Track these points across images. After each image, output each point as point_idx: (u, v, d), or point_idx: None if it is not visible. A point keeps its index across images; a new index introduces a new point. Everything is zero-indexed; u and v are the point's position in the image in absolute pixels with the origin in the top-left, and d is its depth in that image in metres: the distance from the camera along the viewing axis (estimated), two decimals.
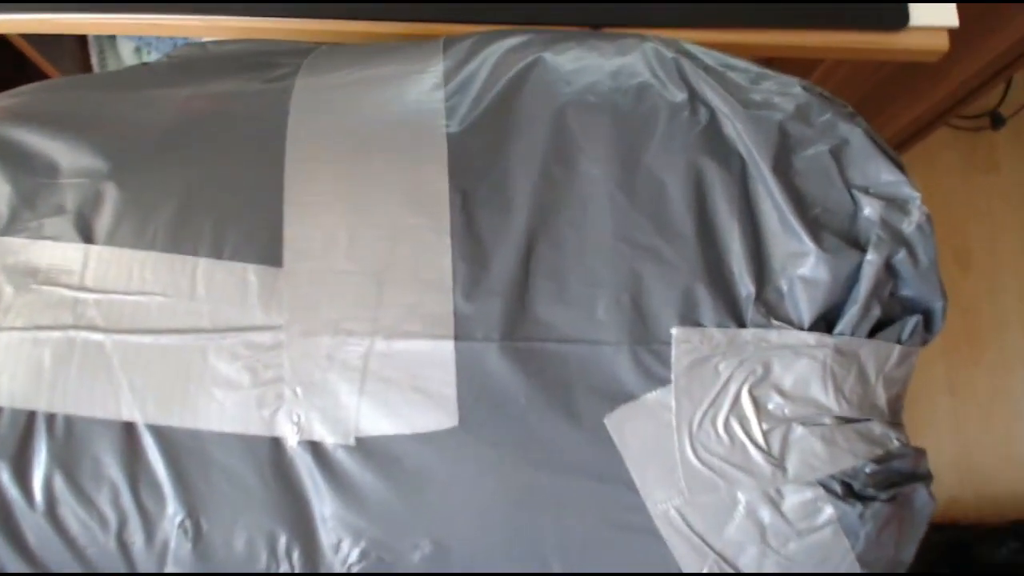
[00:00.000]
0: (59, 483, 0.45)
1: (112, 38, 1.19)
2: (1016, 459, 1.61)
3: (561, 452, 0.45)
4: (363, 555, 0.46)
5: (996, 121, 1.74)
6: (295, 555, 0.46)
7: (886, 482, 0.47)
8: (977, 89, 1.20)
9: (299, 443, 0.45)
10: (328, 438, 0.45)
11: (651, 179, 0.48)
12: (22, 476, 0.45)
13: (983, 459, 1.60)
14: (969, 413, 1.60)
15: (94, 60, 1.19)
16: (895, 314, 0.48)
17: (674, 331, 0.45)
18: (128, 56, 1.17)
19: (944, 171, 1.73)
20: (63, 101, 0.54)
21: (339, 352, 0.45)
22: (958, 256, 1.68)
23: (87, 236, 0.47)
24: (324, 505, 0.45)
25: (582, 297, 0.46)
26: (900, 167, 0.48)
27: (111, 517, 0.45)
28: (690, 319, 0.45)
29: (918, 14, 0.74)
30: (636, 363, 0.45)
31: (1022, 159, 1.75)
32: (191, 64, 0.58)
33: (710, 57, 0.53)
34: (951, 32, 0.75)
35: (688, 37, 0.58)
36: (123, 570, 0.46)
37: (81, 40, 1.19)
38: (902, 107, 1.24)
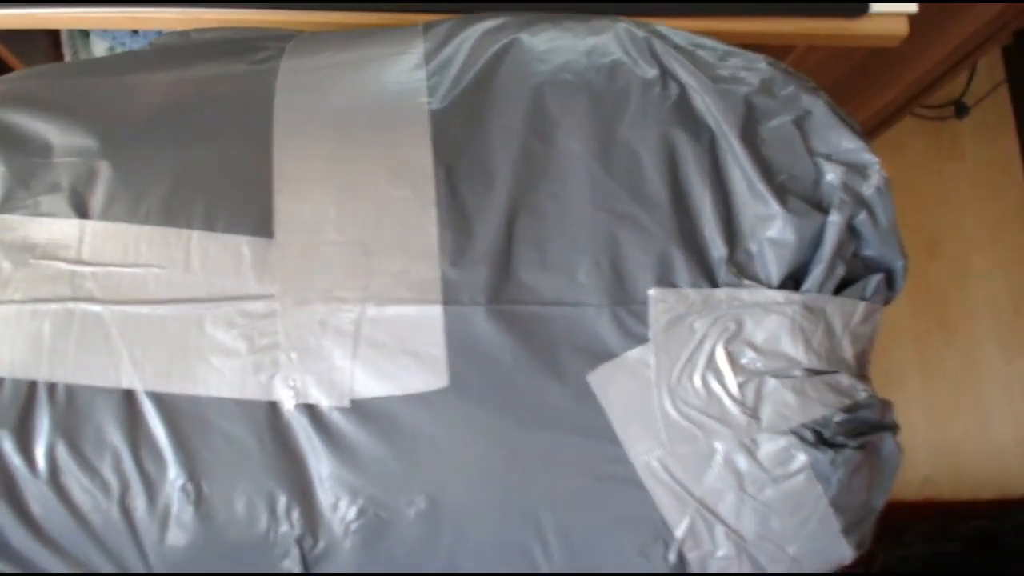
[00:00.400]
0: (62, 451, 0.46)
1: (86, 37, 1.19)
2: (988, 438, 1.66)
3: (547, 409, 0.47)
4: (360, 513, 0.48)
5: (960, 110, 1.79)
6: (295, 515, 0.47)
7: (855, 431, 0.49)
8: (943, 76, 1.24)
9: (295, 406, 0.47)
10: (323, 401, 0.47)
11: (626, 151, 0.50)
12: (25, 445, 0.46)
13: (956, 439, 1.65)
14: (941, 395, 1.65)
15: (67, 59, 1.19)
16: (858, 273, 0.51)
17: (651, 292, 0.48)
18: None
19: (911, 160, 1.77)
20: (52, 85, 0.55)
21: (332, 319, 0.47)
22: (927, 242, 1.72)
23: (82, 212, 0.48)
24: (321, 465, 0.47)
25: (563, 262, 0.48)
26: (860, 135, 0.51)
27: (113, 483, 0.47)
28: (666, 280, 0.48)
29: (878, 2, 0.77)
30: (616, 323, 0.48)
31: (986, 147, 1.81)
32: (175, 50, 0.59)
33: (680, 37, 0.56)
34: (915, 20, 0.78)
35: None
36: (127, 536, 0.48)
37: (54, 40, 1.19)
38: (873, 94, 1.28)
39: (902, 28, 0.80)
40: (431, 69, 0.54)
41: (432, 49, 0.55)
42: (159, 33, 1.09)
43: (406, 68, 0.54)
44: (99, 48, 1.19)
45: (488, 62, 0.53)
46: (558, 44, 0.54)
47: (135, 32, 1.14)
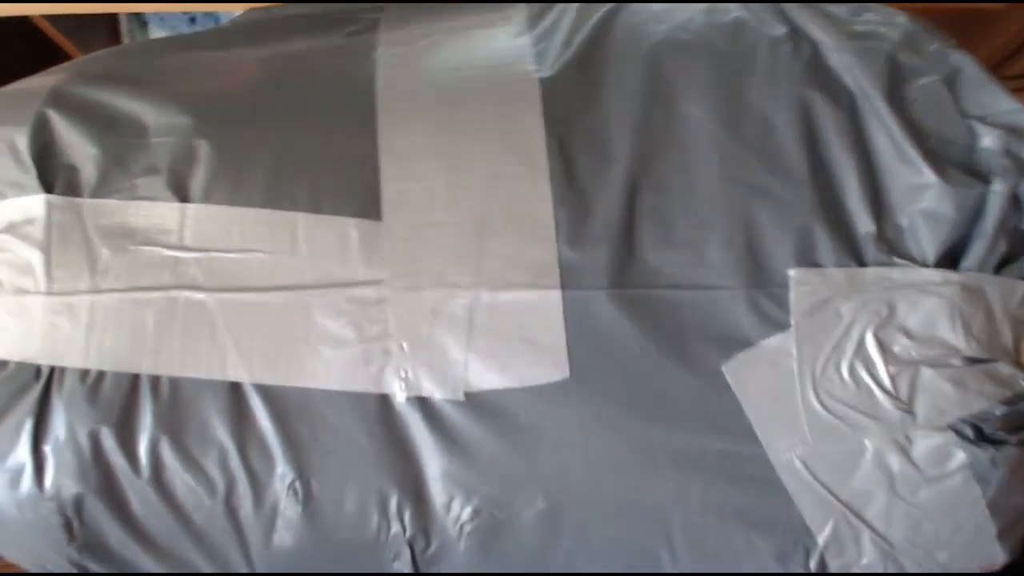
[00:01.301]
0: (165, 448, 0.44)
1: (144, 26, 1.18)
2: None
3: (676, 402, 0.44)
4: (475, 513, 0.45)
5: None
6: (406, 515, 0.44)
7: (1015, 425, 0.45)
8: (1022, 46, 1.16)
9: (407, 399, 0.44)
10: (436, 393, 0.44)
11: (757, 117, 0.46)
12: (127, 442, 0.44)
13: None
14: None
15: None
16: (1018, 250, 0.46)
17: (792, 273, 0.43)
18: None
19: None
20: (140, 63, 0.53)
21: (444, 306, 0.44)
22: None
23: (182, 195, 0.46)
24: (434, 462, 0.44)
25: (691, 240, 0.44)
26: (1014, 97, 0.46)
27: (219, 481, 0.44)
28: (808, 260, 0.44)
29: None
30: (753, 308, 0.44)
31: None
32: (261, 26, 0.57)
33: None
34: None
35: None
36: (231, 536, 0.45)
37: (113, 30, 1.19)
38: None
39: None
40: (536, 35, 0.50)
41: (535, 14, 0.51)
42: (216, 20, 1.08)
43: (509, 35, 0.50)
44: (158, 36, 1.18)
45: (598, 24, 0.49)
46: (673, 3, 0.50)
47: (192, 20, 1.13)
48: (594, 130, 0.46)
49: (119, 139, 0.47)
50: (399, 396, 0.44)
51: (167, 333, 0.44)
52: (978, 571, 0.48)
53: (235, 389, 0.44)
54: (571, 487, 0.44)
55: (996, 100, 0.46)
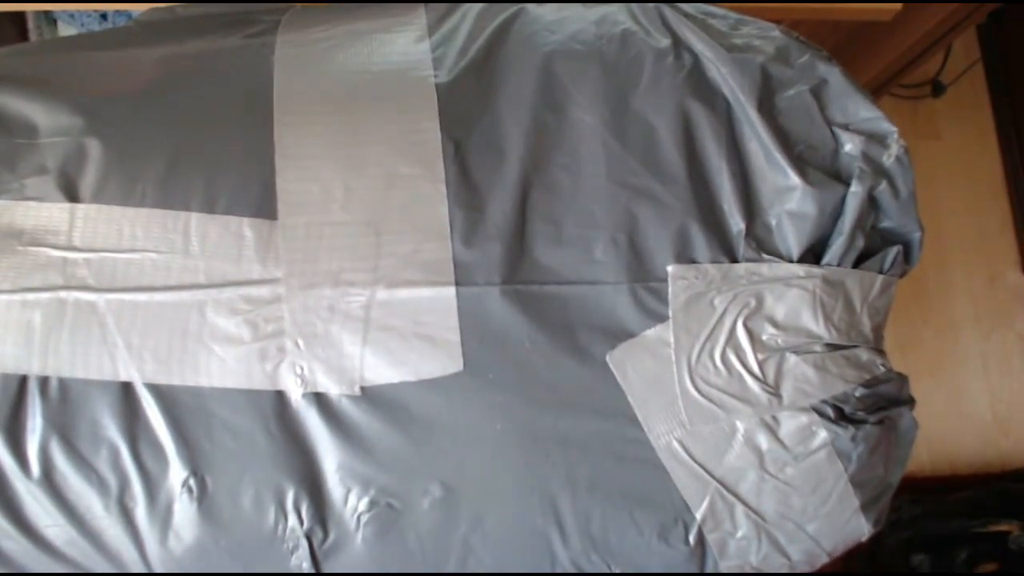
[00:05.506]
0: (55, 448, 0.44)
1: (53, 24, 1.15)
2: (966, 415, 1.69)
3: (565, 391, 0.46)
4: (372, 504, 0.46)
5: (937, 89, 1.81)
6: (303, 508, 0.45)
7: (874, 406, 0.49)
8: (921, 55, 1.25)
9: (303, 395, 0.45)
10: (333, 389, 0.45)
11: (641, 123, 0.49)
12: (16, 443, 0.44)
13: (935, 415, 1.67)
14: (920, 371, 1.66)
15: None
16: (876, 246, 0.50)
17: (670, 268, 0.46)
18: None
19: None
20: (36, 63, 0.52)
21: (340, 303, 0.45)
22: None
23: (72, 195, 0.45)
24: (331, 456, 0.45)
25: (579, 239, 0.47)
26: (876, 104, 0.50)
27: (111, 480, 0.44)
28: (685, 256, 0.47)
29: None
30: (635, 301, 0.46)
31: (962, 125, 1.82)
32: (163, 26, 0.56)
33: (690, 6, 0.54)
34: None
35: None
36: (126, 536, 0.45)
37: (20, 28, 1.14)
38: (854, 72, 1.28)
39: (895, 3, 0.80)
40: (435, 41, 0.52)
41: (435, 21, 0.53)
42: (130, 17, 1.05)
43: (409, 41, 0.52)
44: (67, 34, 1.14)
45: (494, 33, 0.51)
46: (566, 13, 0.52)
47: (104, 17, 1.09)
48: (488, 133, 0.48)
49: (8, 140, 0.46)
50: (295, 392, 0.45)
51: (56, 334, 0.44)
52: (845, 546, 0.52)
53: (126, 388, 0.44)
54: (466, 475, 0.46)
55: (858, 108, 0.50)
